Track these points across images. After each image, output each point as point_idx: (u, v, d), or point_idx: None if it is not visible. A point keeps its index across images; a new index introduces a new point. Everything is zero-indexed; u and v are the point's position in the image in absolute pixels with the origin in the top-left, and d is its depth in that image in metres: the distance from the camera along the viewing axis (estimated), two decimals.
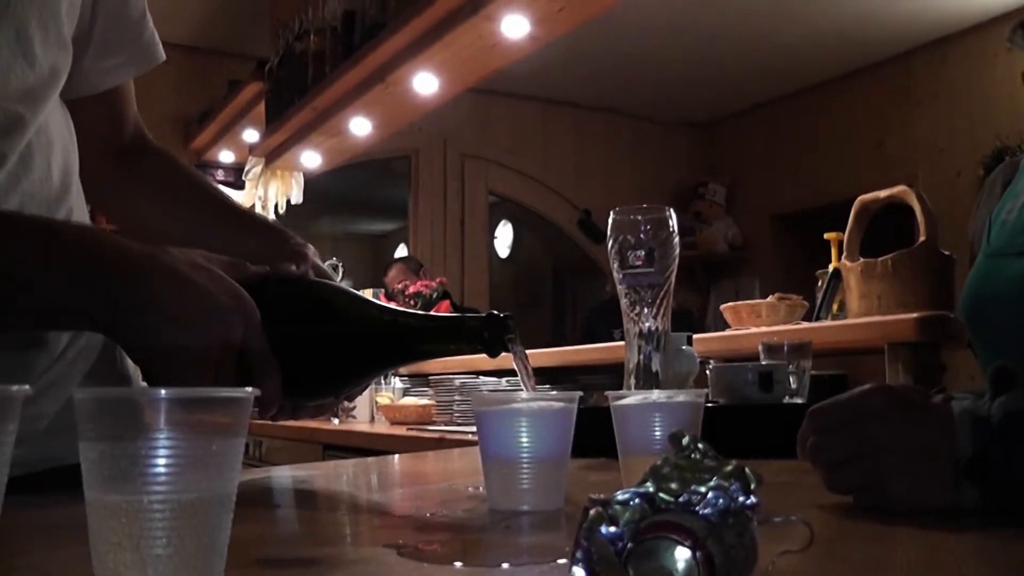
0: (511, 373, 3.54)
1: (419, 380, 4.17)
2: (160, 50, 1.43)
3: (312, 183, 5.88)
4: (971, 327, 1.26)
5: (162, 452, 0.51)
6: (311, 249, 1.16)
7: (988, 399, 0.85)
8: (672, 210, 1.57)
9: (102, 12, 1.33)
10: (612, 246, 1.57)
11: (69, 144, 1.27)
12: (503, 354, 0.98)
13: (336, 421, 3.96)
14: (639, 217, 1.54)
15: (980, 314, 1.22)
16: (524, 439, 0.89)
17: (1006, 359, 0.88)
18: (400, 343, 0.99)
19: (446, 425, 3.36)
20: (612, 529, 0.46)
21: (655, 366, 1.56)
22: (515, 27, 3.72)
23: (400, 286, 5.08)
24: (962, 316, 1.28)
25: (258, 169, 5.91)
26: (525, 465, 0.89)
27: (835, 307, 2.75)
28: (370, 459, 1.80)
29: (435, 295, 4.69)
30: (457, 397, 3.40)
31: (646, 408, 1.00)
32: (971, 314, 1.25)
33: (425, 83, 4.32)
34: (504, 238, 9.46)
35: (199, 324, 0.88)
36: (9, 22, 1.14)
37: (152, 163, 1.45)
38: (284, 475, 1.30)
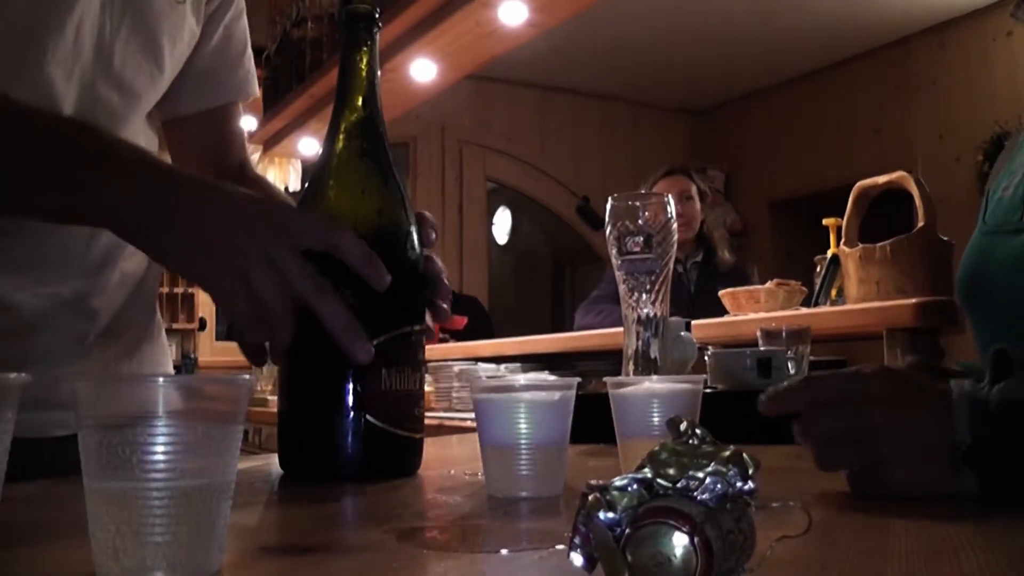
0: (510, 359, 3.54)
1: None
2: (254, 88, 1.53)
3: (310, 170, 5.88)
4: (967, 305, 1.26)
5: (161, 439, 0.51)
6: None
7: (987, 383, 0.85)
8: (671, 196, 1.57)
9: (207, 43, 1.41)
10: (610, 232, 1.57)
11: None
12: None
13: None
14: (637, 203, 1.54)
15: (976, 293, 1.22)
16: (523, 426, 0.89)
17: (1002, 337, 0.88)
18: None
19: (444, 411, 3.36)
20: (610, 515, 0.46)
21: (654, 352, 1.56)
22: (513, 14, 3.71)
23: None
24: (958, 294, 1.28)
25: (256, 156, 5.91)
26: (524, 452, 0.89)
27: (834, 293, 2.76)
28: None
29: None
30: (456, 383, 3.40)
31: (645, 395, 1.00)
32: (967, 292, 1.24)
33: (423, 70, 4.31)
34: (502, 225, 9.45)
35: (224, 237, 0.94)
36: (141, 28, 1.25)
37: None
38: None
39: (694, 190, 4.28)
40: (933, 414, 0.82)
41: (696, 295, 4.00)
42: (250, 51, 1.53)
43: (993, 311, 1.17)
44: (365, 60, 1.10)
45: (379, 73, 1.12)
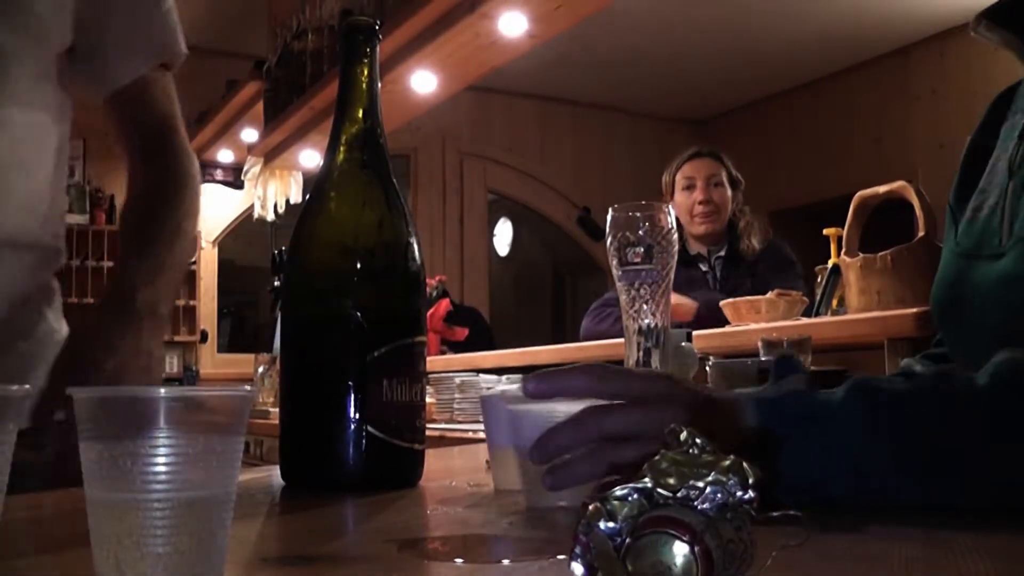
0: (511, 371, 3.54)
1: None
2: (172, 50, 1.54)
3: (311, 182, 5.88)
4: (943, 325, 1.26)
5: (162, 450, 0.51)
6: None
7: (769, 384, 0.88)
8: (671, 206, 1.57)
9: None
10: (611, 243, 1.57)
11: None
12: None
13: None
14: (638, 214, 1.55)
15: (952, 314, 1.23)
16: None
17: (976, 358, 0.88)
18: None
19: (446, 423, 3.36)
20: (610, 524, 0.46)
21: (654, 363, 1.56)
22: (513, 25, 3.72)
23: None
24: (933, 313, 1.29)
25: (257, 169, 5.91)
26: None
27: (834, 303, 2.76)
28: None
29: (434, 293, 4.69)
30: (457, 395, 3.40)
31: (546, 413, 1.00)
32: (943, 313, 1.25)
33: (423, 81, 4.32)
34: (503, 236, 9.45)
35: None
36: None
37: (150, 172, 1.51)
38: None
39: (724, 175, 3.88)
40: (722, 415, 0.83)
41: (722, 292, 3.56)
42: (164, 11, 1.53)
43: (971, 331, 1.17)
44: (366, 72, 1.11)
45: (379, 85, 1.13)
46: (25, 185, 1.35)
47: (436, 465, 1.24)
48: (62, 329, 1.46)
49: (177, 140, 1.52)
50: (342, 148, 1.10)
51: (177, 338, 6.92)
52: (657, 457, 0.49)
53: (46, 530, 0.82)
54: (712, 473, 0.48)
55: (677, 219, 3.79)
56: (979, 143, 1.38)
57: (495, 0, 3.56)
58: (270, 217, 6.02)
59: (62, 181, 1.46)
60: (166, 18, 1.53)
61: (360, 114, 1.10)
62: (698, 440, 0.51)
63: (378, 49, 1.12)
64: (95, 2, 1.43)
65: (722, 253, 3.83)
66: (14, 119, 1.32)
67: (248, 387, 0.56)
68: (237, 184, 6.75)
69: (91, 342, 1.29)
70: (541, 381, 0.84)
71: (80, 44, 1.43)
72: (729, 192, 3.86)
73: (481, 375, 3.52)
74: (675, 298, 3.41)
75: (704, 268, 3.83)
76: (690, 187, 3.83)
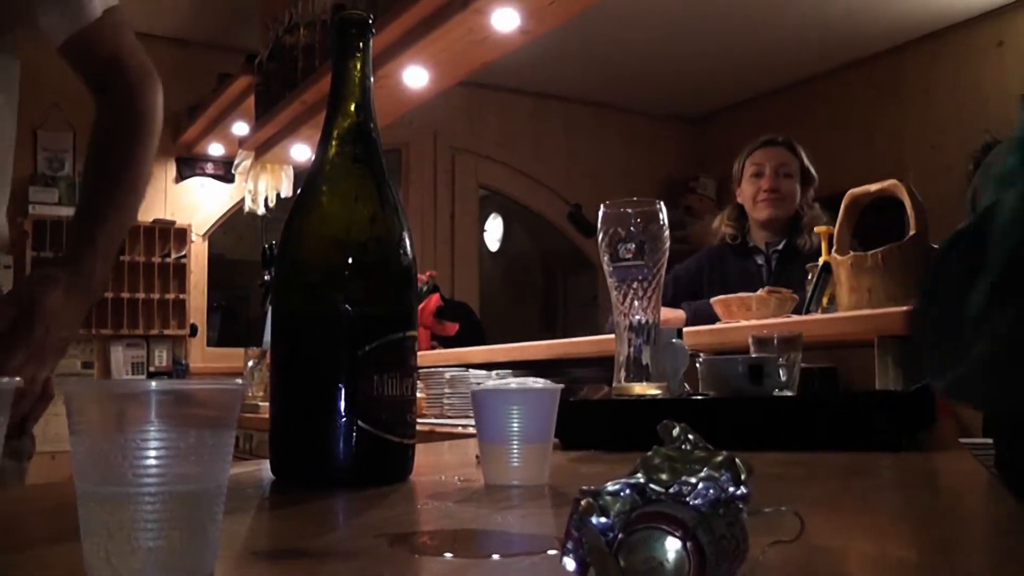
0: (501, 366, 3.54)
1: None
2: (90, 6, 1.57)
3: (302, 177, 5.87)
4: None
5: (154, 444, 0.51)
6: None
7: None
8: (662, 203, 1.57)
9: None
10: (603, 239, 1.57)
11: None
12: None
13: None
14: (630, 210, 1.55)
15: None
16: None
17: None
18: None
19: (436, 418, 3.36)
20: (603, 520, 0.46)
21: (645, 359, 1.56)
22: (505, 21, 3.72)
23: None
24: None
25: (248, 163, 5.90)
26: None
27: (825, 300, 2.76)
28: None
29: (425, 288, 4.68)
30: (447, 390, 3.39)
31: (501, 396, 1.02)
32: None
33: (415, 77, 4.31)
34: (494, 231, 9.44)
35: None
36: None
37: (107, 101, 1.60)
38: None
39: (795, 166, 3.70)
40: None
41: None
42: None
43: None
44: (358, 66, 1.11)
45: (372, 79, 1.12)
46: None
47: (426, 460, 1.24)
48: None
49: (124, 75, 1.59)
50: (334, 142, 1.10)
51: (167, 331, 6.90)
52: (650, 453, 0.49)
53: (36, 524, 0.81)
54: (705, 469, 0.48)
55: (740, 207, 3.75)
56: None
57: None
58: (261, 211, 6.01)
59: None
60: None
61: (353, 108, 1.10)
62: (691, 436, 0.51)
63: (371, 44, 1.12)
64: None
65: (780, 247, 3.66)
66: None
67: (239, 380, 0.56)
68: (228, 178, 6.73)
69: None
70: None
71: (7, 8, 1.51)
72: (798, 185, 3.70)
73: (471, 370, 3.52)
74: (664, 312, 3.37)
75: (760, 261, 3.68)
76: (758, 175, 3.68)
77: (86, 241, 1.45)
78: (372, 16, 1.14)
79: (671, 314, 3.38)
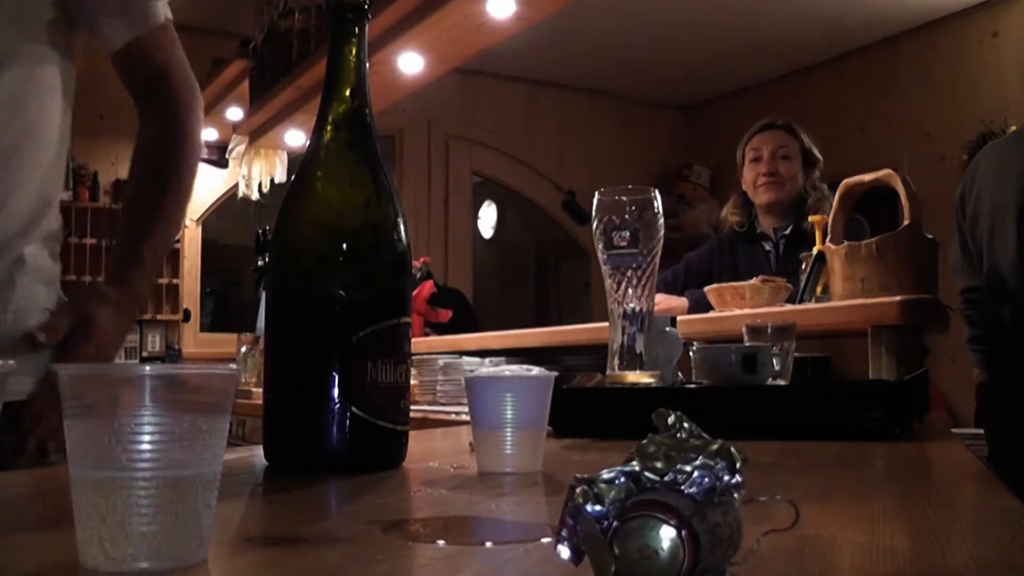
0: (494, 353, 3.54)
1: None
2: (154, 12, 1.58)
3: (296, 162, 5.86)
4: None
5: (147, 429, 0.51)
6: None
7: None
8: (657, 191, 1.57)
9: None
10: (597, 227, 1.57)
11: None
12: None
13: None
14: (624, 198, 1.55)
15: None
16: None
17: None
18: None
19: (429, 405, 3.36)
20: (597, 508, 0.46)
21: (639, 347, 1.56)
22: (501, 7, 3.71)
23: None
24: None
25: (242, 148, 5.89)
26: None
27: (819, 290, 2.76)
28: None
29: (418, 275, 4.68)
30: (440, 377, 3.39)
31: (495, 383, 1.02)
32: None
33: (410, 63, 4.30)
34: (488, 219, 9.44)
35: None
36: None
37: (151, 116, 1.61)
38: None
39: (796, 148, 3.65)
40: None
41: (779, 273, 3.24)
42: None
43: None
44: (354, 52, 1.10)
45: (367, 65, 1.12)
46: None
47: (419, 447, 1.24)
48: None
49: (171, 90, 1.59)
50: (329, 127, 1.09)
51: (160, 316, 6.90)
52: (645, 441, 0.49)
53: (29, 509, 0.81)
54: (700, 457, 0.48)
55: (744, 195, 3.73)
56: None
57: None
58: (255, 196, 6.00)
59: (45, 155, 1.50)
60: None
61: (348, 94, 1.10)
62: (686, 424, 0.51)
63: (367, 29, 1.12)
64: None
65: (787, 231, 3.60)
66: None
67: (233, 366, 0.55)
68: (222, 163, 6.72)
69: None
70: None
71: (72, 12, 1.49)
72: (800, 166, 3.65)
73: (464, 357, 3.52)
74: (665, 299, 3.38)
75: (768, 247, 3.64)
76: (757, 159, 3.65)
77: (134, 260, 1.47)
78: (368, 1, 1.14)
79: (674, 302, 3.38)
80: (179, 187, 1.56)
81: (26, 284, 1.43)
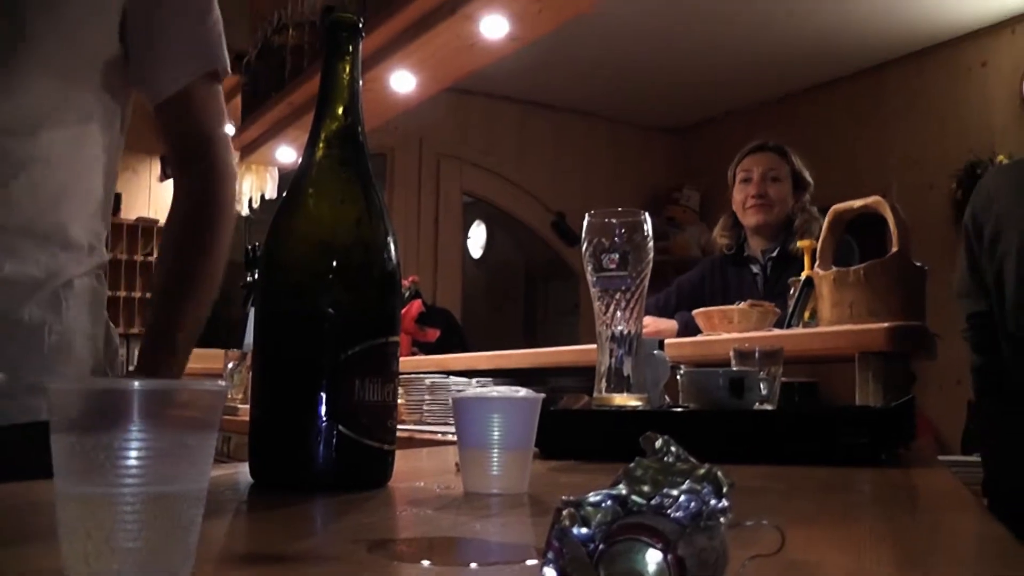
0: (482, 374, 3.54)
1: None
2: (213, 62, 1.56)
3: (287, 178, 5.87)
4: None
5: (134, 444, 0.50)
6: None
7: None
8: (647, 214, 1.57)
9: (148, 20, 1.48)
10: (587, 248, 1.57)
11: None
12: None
13: None
14: (614, 220, 1.55)
15: None
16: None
17: None
18: None
19: (415, 424, 3.35)
20: (584, 530, 0.46)
21: (626, 370, 1.56)
22: (494, 27, 3.72)
23: None
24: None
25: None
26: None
27: (807, 315, 2.77)
28: None
29: (407, 294, 4.68)
30: (427, 396, 3.39)
31: (483, 403, 1.02)
32: None
33: (402, 81, 4.32)
34: (477, 238, 9.45)
35: None
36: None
37: (186, 190, 1.58)
38: None
39: (785, 171, 3.65)
40: None
41: (767, 295, 3.29)
42: (209, 24, 1.56)
43: None
44: (347, 69, 1.11)
45: (361, 83, 1.12)
46: (52, 179, 1.40)
47: (405, 466, 1.24)
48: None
49: (212, 160, 1.57)
50: (322, 145, 1.09)
51: None
52: (632, 464, 0.49)
53: (12, 522, 0.81)
54: (686, 481, 0.48)
55: (733, 216, 3.73)
56: None
57: (476, 2, 3.56)
58: (245, 212, 5.99)
59: (95, 185, 1.49)
60: (210, 30, 1.56)
61: (341, 111, 1.10)
62: (673, 448, 0.51)
63: (360, 46, 1.12)
64: (141, 11, 1.46)
65: (774, 254, 3.60)
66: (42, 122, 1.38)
67: (221, 382, 0.55)
68: None
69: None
70: None
71: (130, 54, 1.47)
72: (790, 189, 3.65)
73: (452, 377, 3.51)
74: (654, 322, 3.38)
75: (756, 270, 3.64)
76: (747, 181, 3.65)
77: (166, 349, 1.47)
78: (362, 19, 1.14)
79: (663, 324, 3.38)
80: (213, 271, 1.54)
81: (73, 307, 1.44)
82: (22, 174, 1.35)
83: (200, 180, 1.56)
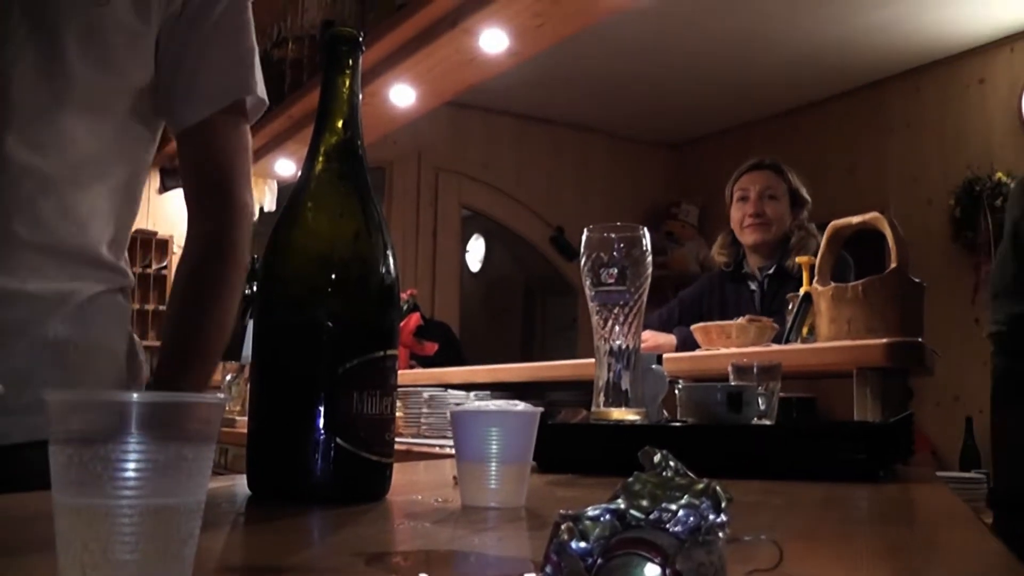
0: (480, 387, 3.54)
1: None
2: (242, 91, 1.55)
3: (286, 191, 5.87)
4: None
5: (132, 457, 0.50)
6: None
7: None
8: (645, 229, 1.58)
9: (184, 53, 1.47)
10: (585, 263, 1.57)
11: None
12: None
13: None
14: (613, 235, 1.55)
15: None
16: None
17: None
18: None
19: (413, 437, 3.35)
20: (582, 544, 0.46)
21: (625, 384, 1.56)
22: (494, 42, 3.73)
23: None
24: None
25: None
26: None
27: (805, 330, 2.77)
28: None
29: (405, 307, 4.68)
30: (425, 410, 3.39)
31: (481, 417, 1.02)
32: None
33: (402, 95, 4.32)
34: (476, 252, 9.46)
35: None
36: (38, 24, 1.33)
37: (199, 230, 1.54)
38: None
39: (782, 188, 3.66)
40: None
41: (764, 312, 3.30)
42: (241, 52, 1.56)
43: None
44: (347, 83, 1.11)
45: (360, 97, 1.13)
46: (83, 202, 1.39)
47: (403, 479, 1.24)
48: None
49: (229, 200, 1.54)
50: (321, 158, 1.10)
51: (146, 343, 6.86)
52: (631, 479, 0.49)
53: (9, 533, 0.81)
54: (685, 496, 0.48)
55: (732, 233, 3.75)
56: None
57: (476, 16, 3.57)
58: None
59: (123, 208, 1.49)
60: (242, 59, 1.56)
61: (340, 125, 1.10)
62: (671, 463, 0.51)
63: (360, 60, 1.12)
64: (174, 40, 1.45)
65: (771, 271, 3.62)
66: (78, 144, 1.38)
67: (219, 394, 0.55)
68: None
69: None
70: None
71: (158, 82, 1.46)
72: (787, 206, 3.66)
73: (449, 390, 3.51)
74: (653, 336, 3.39)
75: (753, 287, 3.65)
76: (744, 199, 3.66)
77: None
78: (362, 33, 1.14)
79: (663, 338, 3.38)
80: (223, 320, 1.51)
81: (97, 323, 1.43)
82: (53, 196, 1.34)
83: (213, 220, 1.52)
